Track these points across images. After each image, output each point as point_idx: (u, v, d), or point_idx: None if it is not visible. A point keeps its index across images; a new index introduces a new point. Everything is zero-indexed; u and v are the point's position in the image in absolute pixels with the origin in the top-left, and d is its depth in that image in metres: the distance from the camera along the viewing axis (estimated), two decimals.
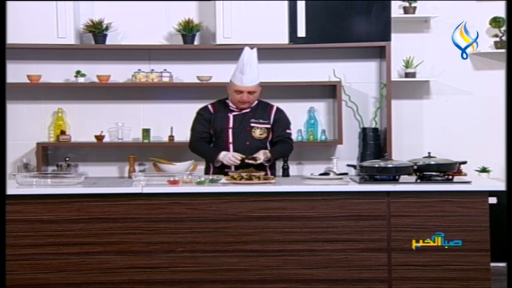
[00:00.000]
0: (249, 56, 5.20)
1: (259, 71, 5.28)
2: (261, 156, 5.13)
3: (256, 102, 5.34)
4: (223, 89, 6.42)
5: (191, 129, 5.39)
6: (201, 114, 5.35)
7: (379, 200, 4.64)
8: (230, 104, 5.31)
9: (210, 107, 5.36)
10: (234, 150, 5.20)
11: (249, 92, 5.21)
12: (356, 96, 6.74)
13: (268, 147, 5.31)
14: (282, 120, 5.36)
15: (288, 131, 5.37)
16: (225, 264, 4.62)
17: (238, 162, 5.10)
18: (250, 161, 5.09)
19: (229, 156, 5.12)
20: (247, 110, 5.29)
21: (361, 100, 6.76)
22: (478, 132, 6.74)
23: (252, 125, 5.27)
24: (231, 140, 5.24)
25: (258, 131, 5.28)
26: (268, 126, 5.30)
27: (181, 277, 4.62)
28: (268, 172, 5.28)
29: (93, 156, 6.72)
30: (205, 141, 5.32)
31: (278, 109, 5.39)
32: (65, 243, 4.59)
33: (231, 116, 5.28)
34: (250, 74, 5.18)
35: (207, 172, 5.32)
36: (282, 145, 5.33)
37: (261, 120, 5.29)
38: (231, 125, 5.26)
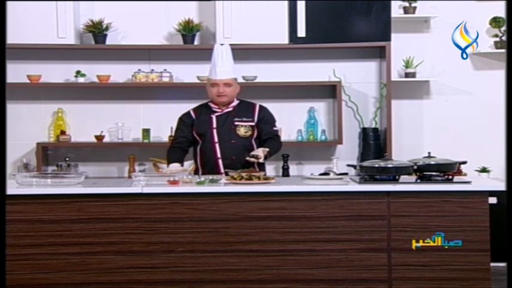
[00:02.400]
0: (220, 49, 5.30)
1: (234, 67, 5.34)
2: (261, 153, 5.12)
3: (237, 101, 5.36)
4: None
5: (174, 134, 5.45)
6: (183, 120, 5.40)
7: (379, 200, 4.63)
8: (212, 105, 5.35)
9: (191, 112, 5.40)
10: (220, 150, 5.22)
11: (225, 84, 5.25)
12: (356, 96, 6.73)
13: (254, 144, 5.30)
14: (269, 118, 5.38)
15: (274, 128, 5.40)
16: (225, 264, 4.62)
17: (177, 172, 5.10)
18: (252, 159, 5.07)
19: (170, 169, 5.15)
20: (230, 109, 5.32)
21: (361, 100, 6.76)
22: (478, 132, 6.75)
23: (236, 123, 5.29)
24: (216, 139, 5.25)
25: (243, 129, 5.29)
26: (252, 124, 5.31)
27: (181, 277, 4.62)
28: (257, 169, 5.26)
29: (93, 156, 6.72)
30: (181, 146, 5.36)
31: (262, 107, 5.40)
32: (65, 243, 4.59)
33: (213, 116, 5.30)
34: (223, 66, 5.26)
35: (196, 173, 5.32)
36: (273, 142, 5.32)
37: (244, 119, 5.30)
38: (214, 125, 5.28)
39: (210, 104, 5.38)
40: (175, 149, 5.36)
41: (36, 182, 4.78)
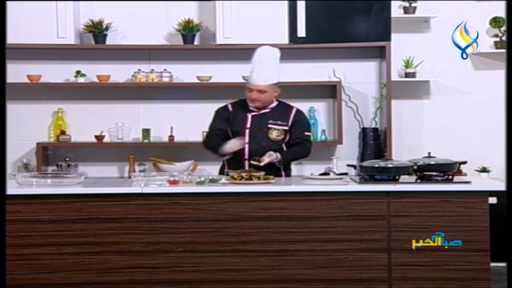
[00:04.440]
0: (262, 53, 5.20)
1: (275, 72, 5.21)
2: (266, 158, 5.10)
3: (276, 103, 5.29)
4: (224, 89, 6.45)
5: (208, 127, 5.37)
6: (220, 112, 5.32)
7: (379, 200, 4.64)
8: (249, 103, 5.28)
9: (229, 106, 5.32)
10: (250, 151, 5.17)
11: (259, 91, 5.16)
12: (356, 96, 6.74)
13: (284, 149, 5.26)
14: (301, 122, 5.30)
15: (306, 133, 5.31)
16: (225, 264, 4.62)
17: (239, 145, 5.10)
18: (254, 163, 5.06)
19: (230, 144, 5.11)
20: (266, 111, 5.25)
21: (361, 100, 6.76)
22: (478, 132, 6.75)
23: (270, 126, 5.22)
24: (247, 140, 5.19)
25: (275, 132, 5.23)
26: (286, 128, 5.24)
27: (181, 277, 4.62)
28: (283, 173, 5.25)
29: (93, 156, 6.72)
30: (219, 134, 5.26)
31: (298, 111, 5.33)
32: (65, 243, 4.59)
33: (249, 116, 5.25)
34: (260, 72, 5.15)
35: (222, 172, 5.31)
36: (298, 147, 5.25)
37: (279, 122, 5.24)
38: (248, 125, 5.22)
39: (248, 101, 5.29)
40: (216, 136, 5.24)
41: (36, 182, 4.78)
